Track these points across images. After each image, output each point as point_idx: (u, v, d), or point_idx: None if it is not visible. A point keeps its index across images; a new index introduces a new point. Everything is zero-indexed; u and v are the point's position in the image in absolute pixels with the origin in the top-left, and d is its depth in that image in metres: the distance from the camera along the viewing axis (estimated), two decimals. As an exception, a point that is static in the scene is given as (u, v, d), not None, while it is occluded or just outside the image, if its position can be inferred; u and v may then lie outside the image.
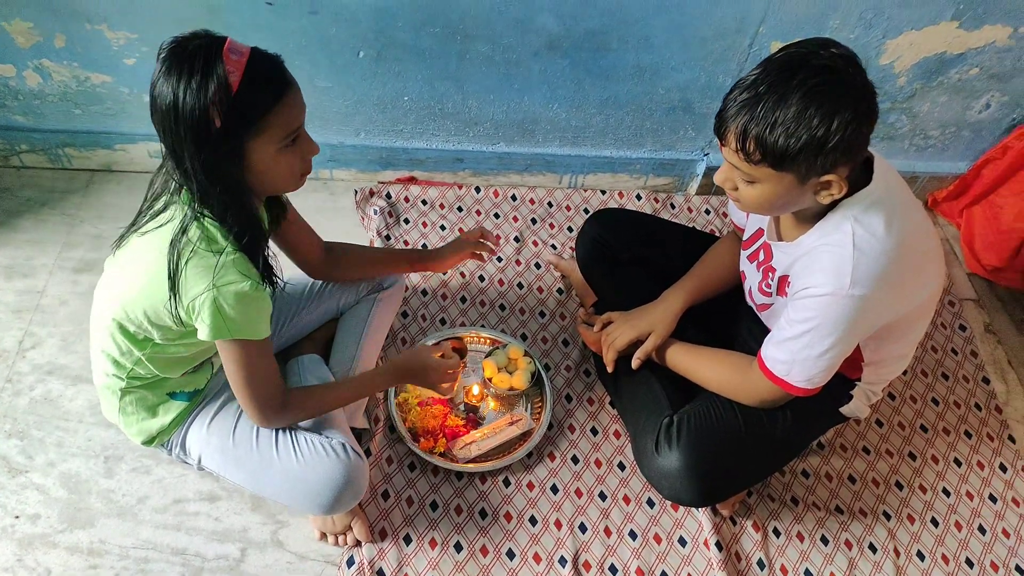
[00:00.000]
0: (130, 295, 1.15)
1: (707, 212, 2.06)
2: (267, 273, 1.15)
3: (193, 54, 0.97)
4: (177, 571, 1.35)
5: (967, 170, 2.05)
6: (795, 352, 1.21)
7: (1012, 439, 1.69)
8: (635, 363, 1.46)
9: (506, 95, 1.84)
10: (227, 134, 0.99)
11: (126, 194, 1.92)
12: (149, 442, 1.35)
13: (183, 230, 1.06)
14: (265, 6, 1.61)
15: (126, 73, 1.74)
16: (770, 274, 1.32)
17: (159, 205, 1.12)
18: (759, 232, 1.36)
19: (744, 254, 1.43)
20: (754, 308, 1.45)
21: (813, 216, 1.19)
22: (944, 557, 1.50)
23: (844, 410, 1.42)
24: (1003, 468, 1.64)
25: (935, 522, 1.55)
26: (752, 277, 1.39)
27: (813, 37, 1.08)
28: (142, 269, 1.12)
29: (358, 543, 1.40)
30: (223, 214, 1.07)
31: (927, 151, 2.07)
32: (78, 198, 1.89)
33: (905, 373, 1.76)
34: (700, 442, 1.35)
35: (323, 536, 1.41)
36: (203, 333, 1.10)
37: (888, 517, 1.55)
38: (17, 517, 1.39)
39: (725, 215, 2.05)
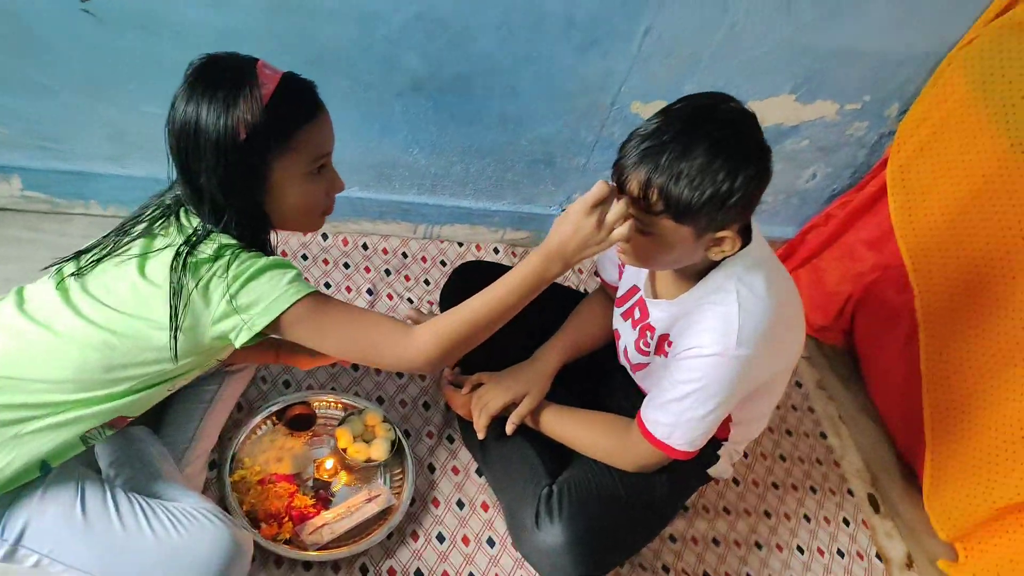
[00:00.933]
0: (97, 340, 0.97)
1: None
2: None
3: (223, 70, 0.96)
4: None
5: (794, 235, 2.20)
6: (678, 414, 1.18)
7: (851, 492, 1.77)
8: (510, 428, 1.36)
9: (365, 135, 1.70)
10: (252, 148, 0.95)
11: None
12: None
13: (190, 250, 0.96)
14: (82, 16, 1.36)
15: None
16: (648, 332, 1.28)
17: (139, 228, 1.03)
18: (634, 289, 1.33)
19: (618, 311, 1.39)
20: (628, 368, 1.41)
21: (694, 274, 1.17)
22: (804, 616, 1.52)
23: (711, 471, 1.41)
24: (846, 522, 1.71)
25: (793, 581, 1.57)
26: (627, 335, 1.36)
27: (710, 91, 1.07)
28: (146, 299, 0.98)
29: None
30: (231, 225, 1.00)
31: (761, 215, 2.19)
32: None
33: (755, 430, 1.80)
34: (583, 513, 1.27)
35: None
36: (261, 319, 0.96)
37: (751, 579, 1.55)
38: None
39: (581, 272, 2.03)
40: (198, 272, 0.96)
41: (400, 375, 1.64)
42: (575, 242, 1.01)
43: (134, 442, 1.21)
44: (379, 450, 1.43)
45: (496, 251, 1.99)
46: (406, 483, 1.43)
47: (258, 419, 1.43)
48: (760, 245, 1.17)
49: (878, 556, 1.67)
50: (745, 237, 1.15)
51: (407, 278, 1.85)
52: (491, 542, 1.44)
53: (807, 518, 1.68)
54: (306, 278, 1.18)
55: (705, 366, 1.13)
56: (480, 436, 1.38)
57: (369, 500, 1.39)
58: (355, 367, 1.61)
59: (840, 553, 1.64)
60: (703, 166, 0.98)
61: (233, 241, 1.00)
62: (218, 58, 0.98)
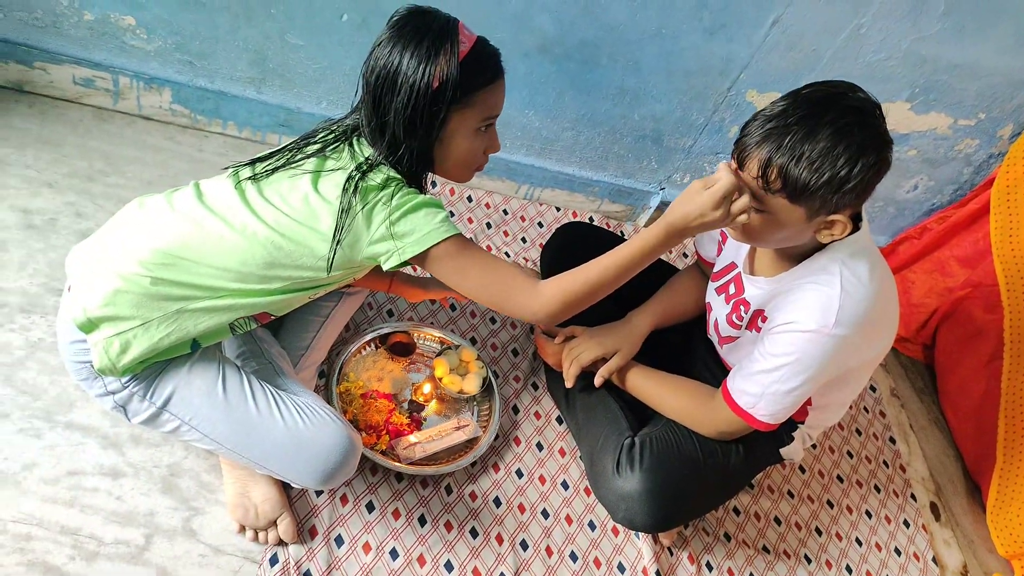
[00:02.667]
0: (264, 238, 1.07)
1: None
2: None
3: (427, 25, 1.04)
4: (66, 553, 1.15)
5: (886, 244, 2.21)
6: (766, 385, 1.22)
7: (914, 497, 1.80)
8: (598, 381, 1.43)
9: (485, 91, 1.78)
10: (439, 98, 1.03)
11: (36, 120, 1.67)
12: (127, 370, 1.09)
13: (362, 175, 1.06)
14: (254, -58, 1.47)
15: (70, -17, 1.53)
16: (741, 307, 1.33)
17: (313, 148, 1.12)
18: (731, 265, 1.38)
19: (712, 286, 1.44)
20: (716, 341, 1.46)
21: (797, 256, 1.21)
22: (856, 603, 1.56)
23: (783, 451, 1.45)
24: (906, 524, 1.74)
25: (849, 569, 1.61)
26: (719, 309, 1.41)
27: (839, 80, 1.11)
28: (302, 212, 1.07)
29: (282, 542, 1.25)
30: (404, 161, 1.09)
31: (853, 221, 2.21)
32: (-25, 112, 1.63)
33: (825, 424, 1.84)
34: (662, 466, 1.32)
35: (243, 529, 1.25)
36: (410, 251, 1.06)
37: (809, 561, 1.59)
38: None
39: (670, 251, 2.09)
40: (366, 196, 1.05)
41: (494, 320, 1.72)
42: (698, 223, 1.07)
43: (258, 340, 1.32)
44: (471, 384, 1.52)
45: (591, 220, 2.06)
46: (492, 418, 1.51)
47: (364, 340, 1.53)
48: (867, 235, 1.21)
49: (934, 560, 1.69)
50: (855, 225, 1.19)
51: (505, 233, 1.93)
52: (565, 484, 1.52)
53: (868, 514, 1.72)
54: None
55: (800, 341, 1.17)
56: (568, 385, 1.46)
57: (458, 428, 1.48)
58: (453, 307, 1.71)
59: (897, 551, 1.68)
60: (825, 150, 1.02)
61: (398, 176, 1.09)
62: (425, 11, 1.08)
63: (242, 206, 1.08)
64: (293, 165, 1.11)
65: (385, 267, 1.08)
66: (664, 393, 1.40)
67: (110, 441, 1.27)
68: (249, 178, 1.11)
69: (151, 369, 1.12)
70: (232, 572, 1.21)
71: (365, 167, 1.07)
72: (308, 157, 1.12)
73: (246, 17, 1.60)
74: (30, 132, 1.64)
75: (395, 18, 1.08)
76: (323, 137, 1.15)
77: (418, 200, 1.06)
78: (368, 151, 1.11)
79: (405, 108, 1.04)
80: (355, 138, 1.13)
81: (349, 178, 1.06)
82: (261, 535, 1.25)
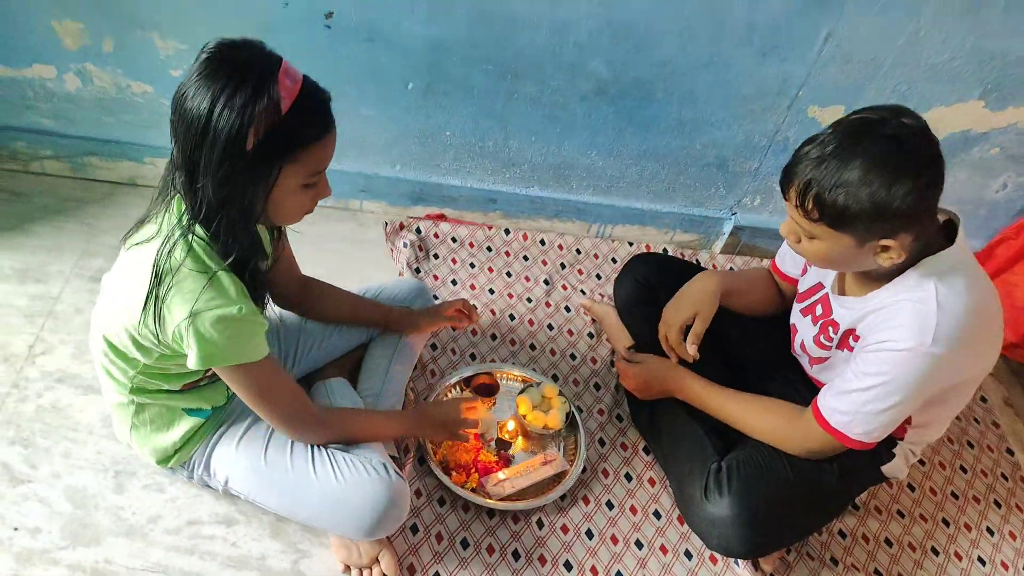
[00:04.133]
0: (112, 314, 1.11)
1: (731, 271, 2.08)
2: (258, 292, 1.11)
3: (245, 66, 0.93)
4: (189, 598, 1.25)
5: (982, 247, 2.11)
6: (859, 404, 1.20)
7: (1041, 511, 1.68)
8: (691, 349, 1.43)
9: (547, 138, 1.86)
10: (259, 157, 0.95)
11: (148, 209, 1.86)
12: (165, 461, 1.27)
13: (169, 250, 1.01)
14: (323, 29, 1.62)
15: (169, 84, 1.70)
16: (830, 328, 1.31)
17: (146, 214, 1.08)
18: (818, 286, 1.37)
19: (798, 307, 1.43)
20: (805, 361, 1.44)
21: (885, 275, 1.19)
22: (985, 627, 1.46)
23: (885, 469, 1.40)
24: (1035, 539, 1.62)
25: (973, 590, 1.51)
26: (806, 331, 1.39)
27: (887, 104, 1.11)
28: (125, 288, 1.07)
29: (384, 577, 1.31)
30: (219, 231, 1.01)
31: (942, 227, 2.13)
32: (96, 208, 1.84)
33: (932, 440, 1.76)
34: (752, 489, 1.31)
35: (347, 569, 1.32)
36: (192, 361, 1.04)
37: (926, 583, 1.51)
38: (16, 529, 1.28)
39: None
40: (172, 280, 1.00)
41: (573, 356, 1.76)
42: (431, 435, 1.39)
43: (330, 393, 1.40)
44: (555, 419, 1.55)
45: (665, 251, 2.08)
46: (579, 451, 1.54)
47: (449, 383, 1.60)
48: (962, 249, 1.17)
49: (1072, 579, 1.57)
50: (943, 237, 1.17)
51: (580, 272, 1.98)
52: (657, 514, 1.51)
53: (990, 531, 1.62)
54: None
55: (895, 360, 1.14)
56: (691, 353, 1.43)
57: (545, 463, 1.51)
58: (532, 347, 1.76)
59: (1027, 570, 1.57)
60: (859, 178, 1.03)
61: (210, 261, 1.02)
62: (239, 48, 0.95)
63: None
64: (128, 235, 1.10)
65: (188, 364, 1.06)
66: (749, 412, 1.39)
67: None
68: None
69: (197, 453, 1.27)
70: (339, 610, 1.28)
71: (175, 237, 1.00)
72: (140, 226, 1.09)
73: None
74: (143, 220, 1.83)
75: (204, 55, 0.94)
76: (158, 191, 1.07)
77: (222, 313, 1.01)
78: (182, 208, 1.03)
79: (217, 168, 0.94)
80: (175, 194, 1.04)
81: (155, 263, 1.00)
82: (366, 572, 1.31)
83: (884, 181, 1.02)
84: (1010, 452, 1.79)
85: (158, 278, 1.01)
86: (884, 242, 1.08)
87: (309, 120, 0.97)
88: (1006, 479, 1.73)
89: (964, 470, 1.72)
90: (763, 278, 1.56)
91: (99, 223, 1.80)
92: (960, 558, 1.56)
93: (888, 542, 1.56)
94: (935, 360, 1.12)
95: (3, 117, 1.77)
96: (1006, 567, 1.56)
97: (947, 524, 1.61)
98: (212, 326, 1.01)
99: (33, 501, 1.31)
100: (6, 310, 1.58)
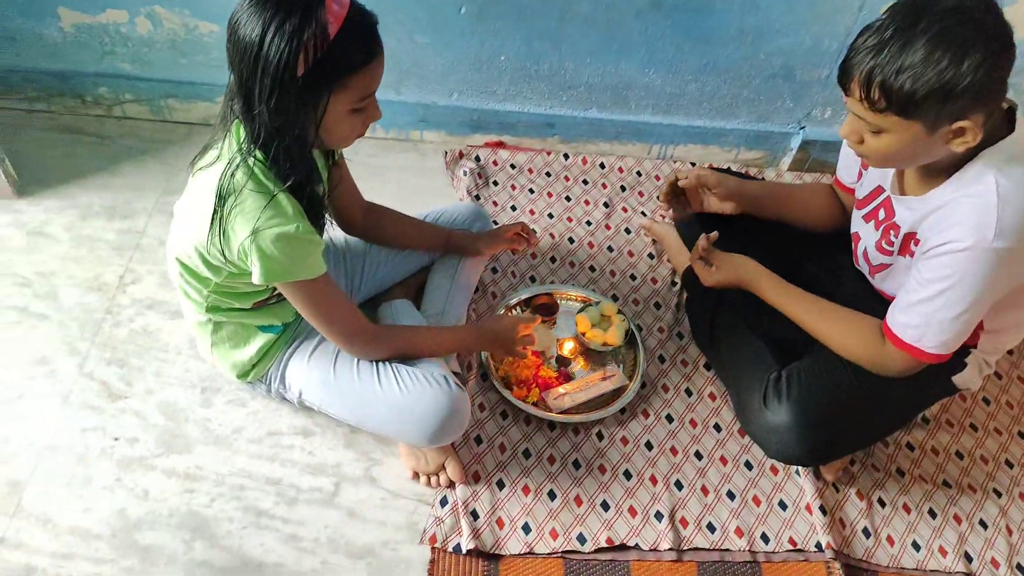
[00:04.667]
0: (184, 236, 1.16)
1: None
2: (315, 215, 1.14)
3: None
4: (271, 499, 1.34)
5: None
6: (929, 315, 1.15)
7: None
8: (705, 240, 1.39)
9: (603, 58, 1.82)
10: (309, 83, 0.97)
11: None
12: (244, 375, 1.35)
13: (231, 172, 1.04)
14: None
15: (233, 22, 1.76)
16: (892, 232, 1.26)
17: (209, 141, 1.12)
18: (878, 189, 1.31)
19: (859, 214, 1.38)
20: (867, 271, 1.39)
21: (945, 169, 1.13)
22: (1061, 538, 1.42)
23: (956, 379, 1.35)
24: (1123, 453, 1.55)
25: (1050, 503, 1.47)
26: (868, 237, 1.34)
27: None
28: (193, 210, 1.12)
29: (451, 484, 1.37)
30: (278, 156, 1.04)
31: None
32: (177, 148, 1.92)
33: (1011, 353, 1.68)
34: (811, 396, 1.29)
35: (415, 476, 1.38)
36: (256, 277, 1.09)
37: (999, 495, 1.47)
38: (116, 439, 1.39)
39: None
40: (235, 202, 1.05)
41: (633, 277, 1.76)
42: (495, 348, 1.42)
43: (395, 314, 1.46)
44: (614, 336, 1.56)
45: (728, 169, 2.01)
46: (638, 367, 1.55)
47: (510, 303, 1.63)
48: (1021, 133, 1.11)
49: None
50: (1004, 126, 1.10)
51: (640, 194, 1.95)
52: (718, 427, 1.52)
53: (1072, 445, 1.55)
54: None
55: (958, 261, 1.09)
56: (704, 241, 1.40)
57: (604, 378, 1.53)
58: (592, 268, 1.76)
59: (1112, 483, 1.50)
60: (924, 57, 0.97)
61: (267, 180, 1.06)
62: None
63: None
64: (194, 162, 1.14)
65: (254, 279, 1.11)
66: (827, 321, 1.30)
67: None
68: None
69: (273, 367, 1.34)
70: (408, 513, 1.35)
71: (236, 161, 1.04)
72: (205, 151, 1.13)
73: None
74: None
75: None
76: (220, 118, 1.10)
77: (281, 231, 1.05)
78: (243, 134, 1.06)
79: (271, 93, 0.96)
80: (235, 119, 1.07)
81: (220, 186, 1.04)
82: (433, 479, 1.38)
83: (952, 57, 0.96)
84: (1099, 365, 1.70)
85: (222, 199, 1.06)
86: (957, 125, 1.02)
87: (356, 45, 0.98)
88: (1093, 393, 1.65)
89: (1046, 384, 1.65)
90: (815, 193, 1.50)
91: (178, 162, 1.88)
92: (1037, 471, 1.51)
93: (959, 455, 1.52)
94: (1000, 256, 1.06)
95: (85, 63, 1.86)
96: (1088, 480, 1.50)
97: (1023, 437, 1.56)
98: (272, 243, 1.06)
99: (130, 415, 1.43)
100: (97, 244, 1.69)
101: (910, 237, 1.22)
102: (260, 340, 1.32)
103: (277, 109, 0.99)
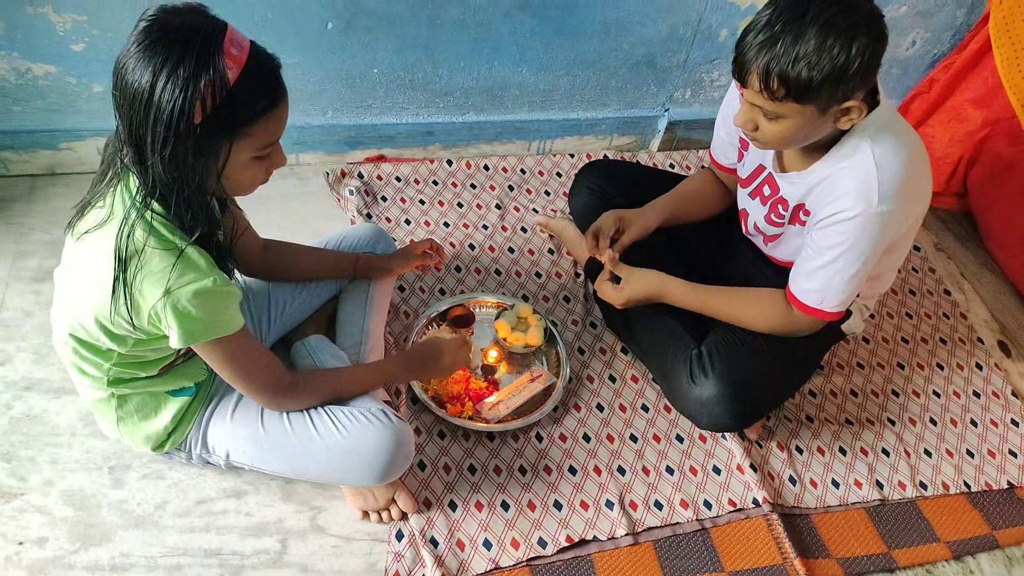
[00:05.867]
0: (78, 308, 1.03)
1: (671, 167, 2.09)
2: (223, 264, 1.05)
3: (187, 34, 0.86)
4: (215, 572, 1.23)
5: (898, 105, 2.17)
6: (827, 279, 1.23)
7: (981, 340, 1.80)
8: (614, 253, 1.41)
9: (476, 61, 1.79)
10: (208, 131, 0.89)
11: (76, 197, 1.73)
12: (160, 447, 1.23)
13: (128, 232, 0.95)
14: (227, -23, 1.49)
15: (73, 61, 1.57)
16: (779, 206, 1.33)
17: (90, 198, 1.01)
18: (760, 168, 1.37)
19: (744, 191, 1.44)
20: (760, 241, 1.46)
21: (823, 145, 1.20)
22: (948, 452, 1.58)
23: (844, 327, 1.46)
24: (979, 367, 1.74)
25: (933, 422, 1.62)
26: (756, 212, 1.41)
27: None
28: (86, 279, 1.01)
29: (404, 516, 1.32)
30: (179, 208, 0.95)
31: (860, 93, 2.17)
32: (22, 206, 1.70)
33: (877, 293, 1.84)
34: (733, 367, 1.35)
35: (365, 515, 1.32)
36: (174, 340, 1.00)
37: (893, 423, 1.61)
38: (21, 543, 1.22)
39: (689, 168, 2.08)
40: (138, 264, 0.95)
41: (539, 275, 1.76)
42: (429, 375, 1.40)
43: (312, 352, 1.36)
44: (535, 336, 1.56)
45: (605, 157, 2.06)
46: (562, 362, 1.55)
47: (425, 320, 1.58)
48: (887, 106, 1.19)
49: (1014, 394, 1.70)
50: (872, 101, 1.18)
51: (528, 191, 1.95)
52: (645, 408, 1.55)
53: (940, 366, 1.72)
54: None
55: (849, 228, 1.17)
56: (606, 258, 1.41)
57: (532, 380, 1.52)
58: (498, 272, 1.74)
59: (976, 394, 1.68)
60: (817, 46, 1.02)
61: (174, 237, 0.97)
62: (181, 14, 0.88)
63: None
64: (73, 224, 1.02)
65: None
66: (733, 305, 1.38)
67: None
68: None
69: (192, 433, 1.22)
70: (365, 555, 1.28)
71: (132, 218, 0.94)
72: (84, 211, 1.02)
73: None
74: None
75: (143, 23, 0.87)
76: (102, 172, 1.00)
77: (198, 287, 0.96)
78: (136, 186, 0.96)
79: (163, 146, 0.88)
80: (125, 171, 0.97)
81: (117, 248, 0.94)
82: (384, 515, 1.31)
83: (843, 42, 1.01)
84: (947, 292, 1.90)
85: (123, 263, 0.94)
86: (846, 104, 1.08)
87: (259, 91, 0.91)
88: (947, 317, 1.84)
89: (910, 316, 1.82)
90: (704, 184, 1.55)
91: (27, 220, 1.66)
92: (918, 395, 1.67)
93: (853, 393, 1.65)
94: (884, 217, 1.15)
95: None
96: (958, 396, 1.68)
97: (902, 367, 1.71)
98: (189, 302, 0.96)
99: (31, 513, 1.25)
100: (-50, 327, 1.46)
101: (799, 208, 1.30)
102: (173, 406, 1.20)
103: (173, 159, 0.90)
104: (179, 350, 1.12)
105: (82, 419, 1.37)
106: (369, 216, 1.81)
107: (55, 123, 1.68)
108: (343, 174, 1.88)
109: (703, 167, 1.60)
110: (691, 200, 1.54)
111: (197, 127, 0.88)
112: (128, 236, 0.94)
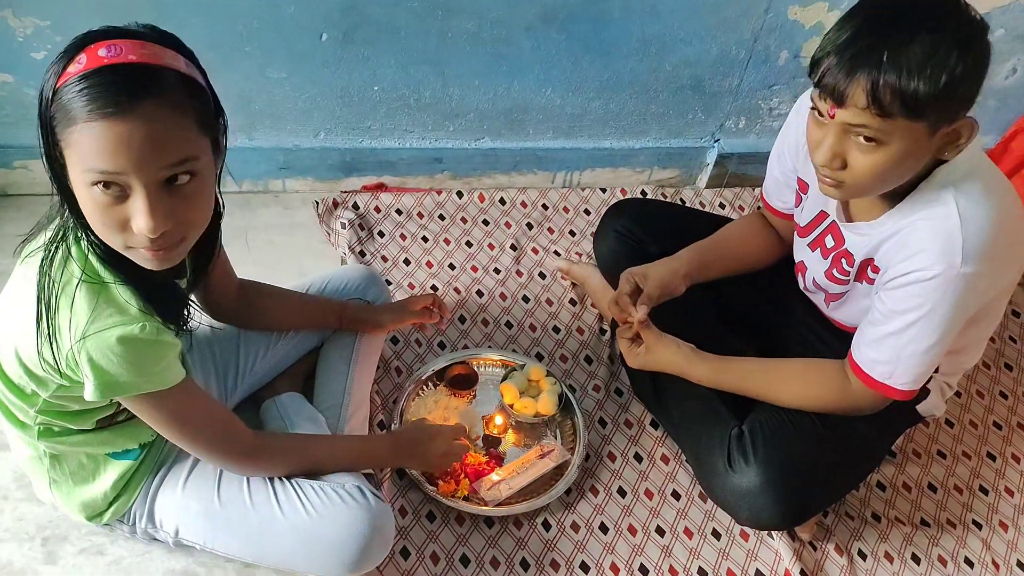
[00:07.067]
0: (5, 343, 1.06)
1: (721, 207, 2.11)
2: (173, 307, 1.07)
3: (81, 38, 0.90)
4: (155, 671, 1.25)
5: (995, 143, 2.18)
6: (899, 348, 1.22)
7: (1092, 429, 1.77)
8: (641, 311, 1.41)
9: (493, 79, 1.85)
10: (44, 129, 0.90)
11: (29, 223, 1.80)
12: (98, 518, 1.25)
13: (50, 257, 0.97)
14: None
15: (33, 70, 1.66)
16: (844, 260, 1.33)
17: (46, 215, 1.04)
18: (821, 215, 1.38)
19: (802, 242, 1.45)
20: (820, 300, 1.47)
21: (898, 193, 1.20)
22: (1047, 565, 1.55)
23: (920, 408, 1.45)
24: (1089, 461, 1.71)
25: (1030, 527, 1.60)
26: (816, 266, 1.41)
27: None
28: (14, 309, 1.03)
29: (379, 614, 1.33)
30: (84, 227, 0.95)
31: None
32: (-34, 230, 1.78)
33: (966, 367, 1.83)
34: (780, 452, 1.35)
35: (332, 608, 1.32)
36: (88, 392, 0.99)
37: (979, 527, 1.58)
38: (-65, 625, 1.25)
39: (742, 209, 2.11)
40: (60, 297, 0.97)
41: (556, 330, 1.78)
42: (419, 465, 1.43)
43: (285, 415, 1.39)
44: (547, 404, 1.57)
45: (644, 194, 2.09)
46: (578, 436, 1.56)
47: (420, 379, 1.61)
48: (975, 149, 1.19)
49: None
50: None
51: (550, 230, 1.99)
52: (676, 495, 1.55)
53: (1040, 459, 1.70)
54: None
55: (927, 290, 1.16)
56: (639, 315, 1.41)
57: (542, 456, 1.53)
58: (508, 325, 1.77)
59: (1085, 496, 1.65)
60: (929, 52, 1.02)
61: (97, 263, 0.99)
62: (110, 29, 0.92)
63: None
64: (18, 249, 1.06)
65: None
66: (778, 382, 1.39)
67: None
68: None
69: (137, 503, 1.25)
70: (332, 658, 1.29)
71: (56, 242, 0.98)
72: (30, 236, 1.07)
73: (220, 60, 1.71)
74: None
75: None
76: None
77: (122, 334, 0.97)
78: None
79: (43, 147, 0.92)
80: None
81: (40, 274, 0.98)
82: (353, 611, 1.32)
83: (957, 47, 1.02)
84: (1051, 369, 1.87)
85: (45, 292, 0.98)
86: (955, 125, 1.08)
87: (88, 95, 0.86)
88: (1051, 399, 1.81)
89: (1004, 396, 1.80)
90: (750, 229, 1.57)
91: (-29, 247, 1.74)
92: (1012, 494, 1.64)
93: (932, 487, 1.63)
94: (968, 280, 1.14)
95: None
96: (1062, 496, 1.65)
97: (992, 459, 1.69)
98: (109, 349, 0.97)
99: (-50, 588, 1.29)
100: None
101: (867, 263, 1.30)
102: (114, 470, 1.23)
103: (47, 160, 0.93)
104: (119, 403, 1.15)
105: (16, 479, 1.41)
106: (363, 254, 1.85)
107: (8, 138, 1.76)
108: (335, 204, 1.93)
109: (758, 208, 1.62)
110: (731, 249, 1.56)
111: (41, 119, 0.90)
112: (51, 263, 0.98)
